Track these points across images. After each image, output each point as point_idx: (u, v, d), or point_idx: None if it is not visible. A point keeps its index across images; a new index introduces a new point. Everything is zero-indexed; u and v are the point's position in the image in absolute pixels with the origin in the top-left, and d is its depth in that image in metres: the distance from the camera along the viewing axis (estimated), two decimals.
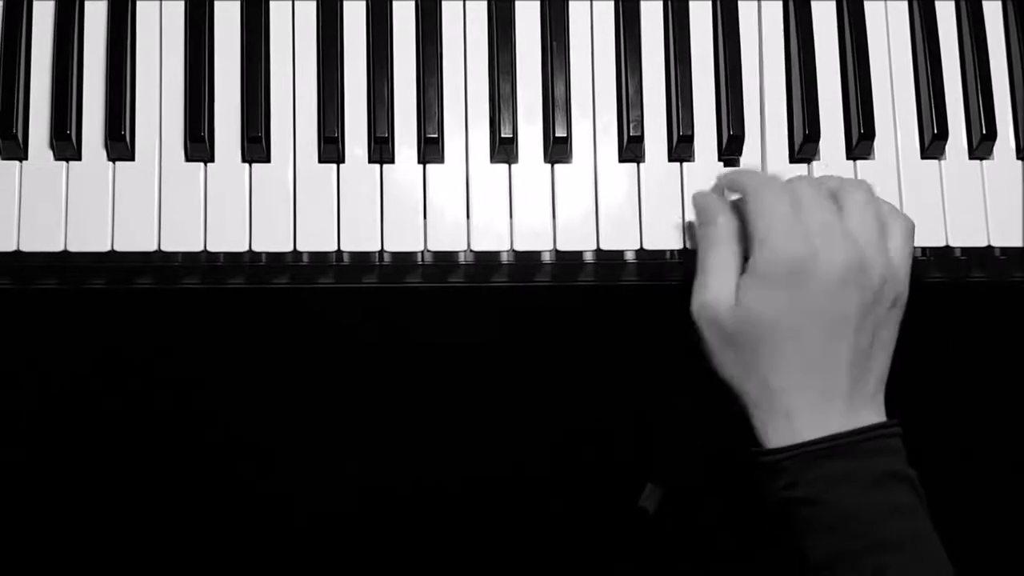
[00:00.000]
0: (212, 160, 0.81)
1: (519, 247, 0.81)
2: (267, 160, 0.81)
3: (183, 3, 0.82)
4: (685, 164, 0.83)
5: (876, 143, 0.84)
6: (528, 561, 1.20)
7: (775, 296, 0.74)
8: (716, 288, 0.76)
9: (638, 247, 0.82)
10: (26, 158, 0.80)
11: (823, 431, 0.73)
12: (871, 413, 0.74)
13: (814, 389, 0.73)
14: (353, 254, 0.82)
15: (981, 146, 0.85)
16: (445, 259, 0.83)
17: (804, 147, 0.83)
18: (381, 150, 0.81)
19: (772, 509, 0.74)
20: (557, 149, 0.82)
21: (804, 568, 0.73)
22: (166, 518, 1.18)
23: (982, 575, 1.16)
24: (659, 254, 0.84)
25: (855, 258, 0.74)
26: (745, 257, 0.76)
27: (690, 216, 0.82)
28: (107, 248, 0.79)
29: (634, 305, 1.03)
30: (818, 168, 0.84)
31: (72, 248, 0.79)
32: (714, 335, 0.76)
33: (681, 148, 0.83)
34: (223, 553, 1.19)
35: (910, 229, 0.78)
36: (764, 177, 0.79)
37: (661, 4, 0.85)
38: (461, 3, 0.84)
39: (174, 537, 1.19)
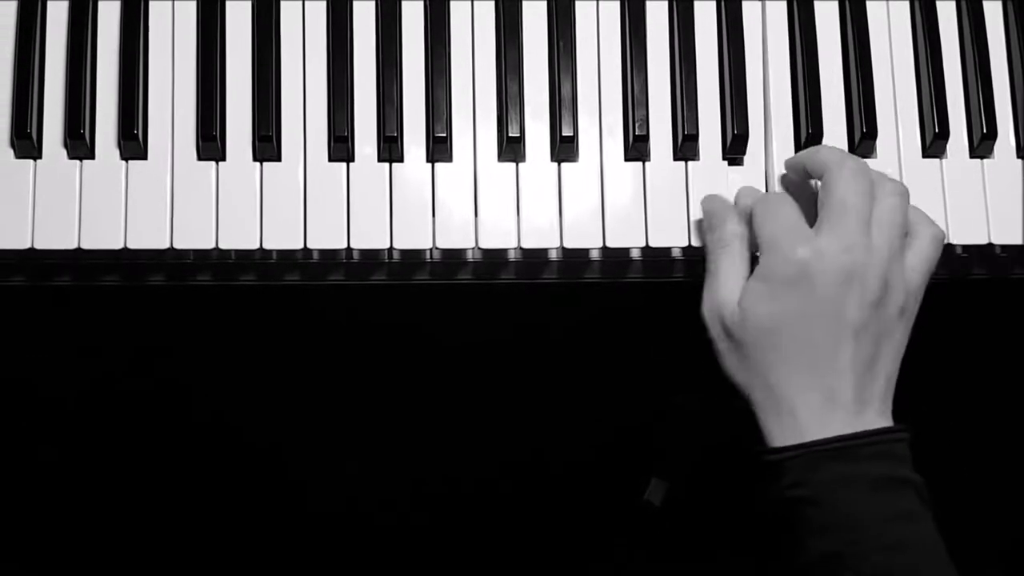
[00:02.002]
0: (224, 159, 0.82)
1: (526, 245, 0.82)
2: (278, 159, 0.82)
3: (195, 3, 0.83)
4: (690, 163, 0.84)
5: (878, 142, 0.85)
6: (534, 554, 1.21)
7: (777, 300, 0.75)
8: (723, 292, 0.77)
9: (644, 244, 0.83)
10: (40, 157, 0.81)
11: (827, 433, 0.73)
12: (877, 417, 0.75)
13: (817, 392, 0.74)
14: (363, 251, 0.83)
15: (982, 145, 0.85)
16: (453, 256, 0.84)
17: (808, 145, 0.84)
18: (390, 149, 0.82)
19: (774, 507, 0.74)
20: (564, 148, 0.83)
21: (800, 567, 0.73)
22: (178, 514, 1.19)
23: (982, 574, 1.17)
24: (665, 251, 0.84)
25: (860, 265, 0.74)
26: (754, 261, 0.77)
27: (697, 217, 0.83)
28: (120, 246, 0.80)
29: (640, 302, 1.04)
30: None
31: (85, 246, 0.80)
32: (721, 337, 0.77)
33: (686, 147, 0.84)
34: (236, 548, 1.20)
35: (937, 239, 0.78)
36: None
37: (666, 4, 0.86)
38: (469, 3, 0.85)
39: (186, 533, 1.19)
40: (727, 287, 0.77)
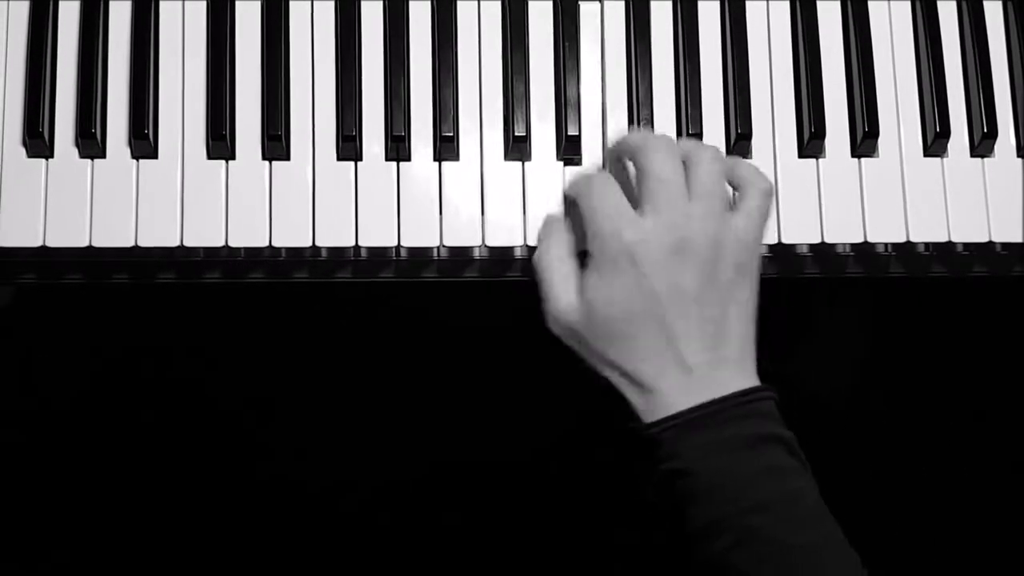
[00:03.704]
0: (233, 158, 0.82)
1: (532, 242, 0.83)
2: (287, 158, 0.83)
3: (204, 3, 0.84)
4: None
5: (880, 141, 0.86)
6: (534, 549, 1.21)
7: (613, 288, 0.76)
8: (559, 295, 0.78)
9: None
10: (52, 156, 0.82)
11: (690, 402, 0.74)
12: (735, 379, 0.75)
13: (672, 365, 0.75)
14: (370, 249, 0.83)
15: (982, 144, 0.86)
16: (460, 254, 0.85)
17: (810, 144, 0.85)
18: (398, 148, 0.83)
19: (657, 485, 0.75)
20: (569, 147, 0.84)
21: (688, 539, 0.74)
22: (183, 513, 1.19)
23: (982, 574, 1.18)
24: None
25: (686, 237, 0.75)
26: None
27: None
28: (131, 244, 0.81)
29: None
30: (823, 165, 0.86)
31: (97, 244, 0.80)
32: (573, 340, 0.78)
33: None
34: (239, 547, 1.20)
35: (764, 191, 0.78)
36: (601, 174, 0.80)
37: (670, 4, 0.87)
38: (476, 4, 0.86)
39: (193, 532, 1.20)
40: (561, 290, 0.78)
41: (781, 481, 0.73)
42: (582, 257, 0.79)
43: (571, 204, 0.81)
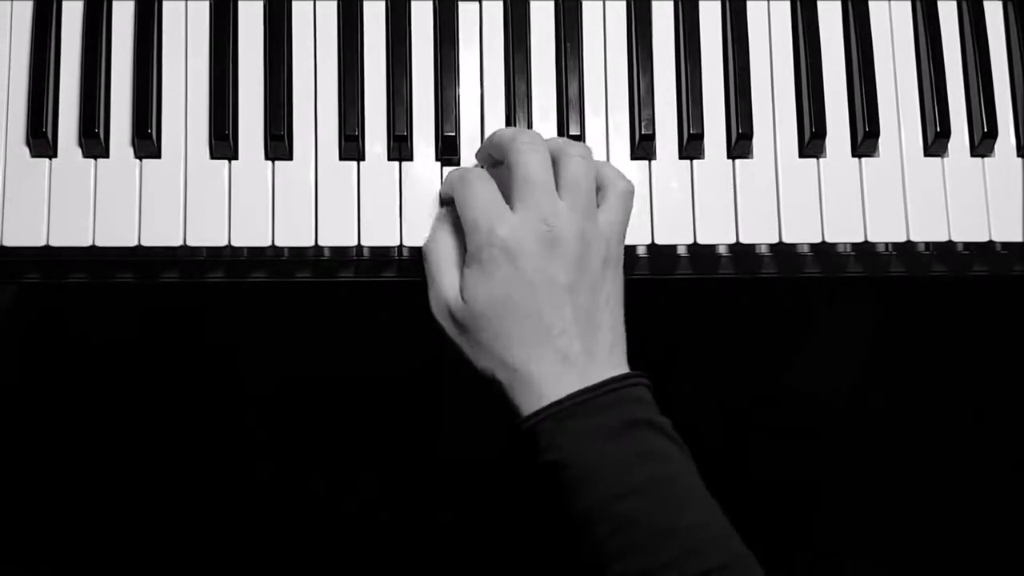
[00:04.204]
0: (236, 157, 0.83)
1: None
2: (289, 158, 0.83)
3: (207, 4, 0.84)
4: (695, 161, 0.85)
5: (880, 140, 0.86)
6: (544, 547, 1.21)
7: (491, 280, 0.77)
8: (445, 286, 0.79)
9: (650, 242, 0.84)
10: (55, 155, 0.82)
11: (566, 391, 0.75)
12: (605, 368, 0.76)
13: (550, 356, 0.76)
14: (373, 249, 0.84)
15: (982, 144, 0.86)
16: None
17: (811, 144, 0.85)
18: (400, 148, 0.83)
19: (538, 478, 0.75)
20: None
21: (569, 531, 0.74)
22: (188, 511, 1.20)
23: (982, 574, 1.18)
24: (671, 248, 0.85)
25: (556, 230, 0.76)
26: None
27: (704, 215, 0.84)
28: (134, 243, 0.81)
29: (645, 298, 1.04)
30: (824, 165, 0.86)
31: (100, 243, 0.81)
32: (454, 332, 0.79)
33: (691, 146, 0.85)
34: (244, 545, 1.20)
35: (624, 193, 0.80)
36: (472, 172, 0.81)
37: (672, 4, 0.87)
38: (477, 4, 0.86)
39: (193, 533, 1.20)
40: (445, 282, 0.79)
41: (653, 466, 0.74)
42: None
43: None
